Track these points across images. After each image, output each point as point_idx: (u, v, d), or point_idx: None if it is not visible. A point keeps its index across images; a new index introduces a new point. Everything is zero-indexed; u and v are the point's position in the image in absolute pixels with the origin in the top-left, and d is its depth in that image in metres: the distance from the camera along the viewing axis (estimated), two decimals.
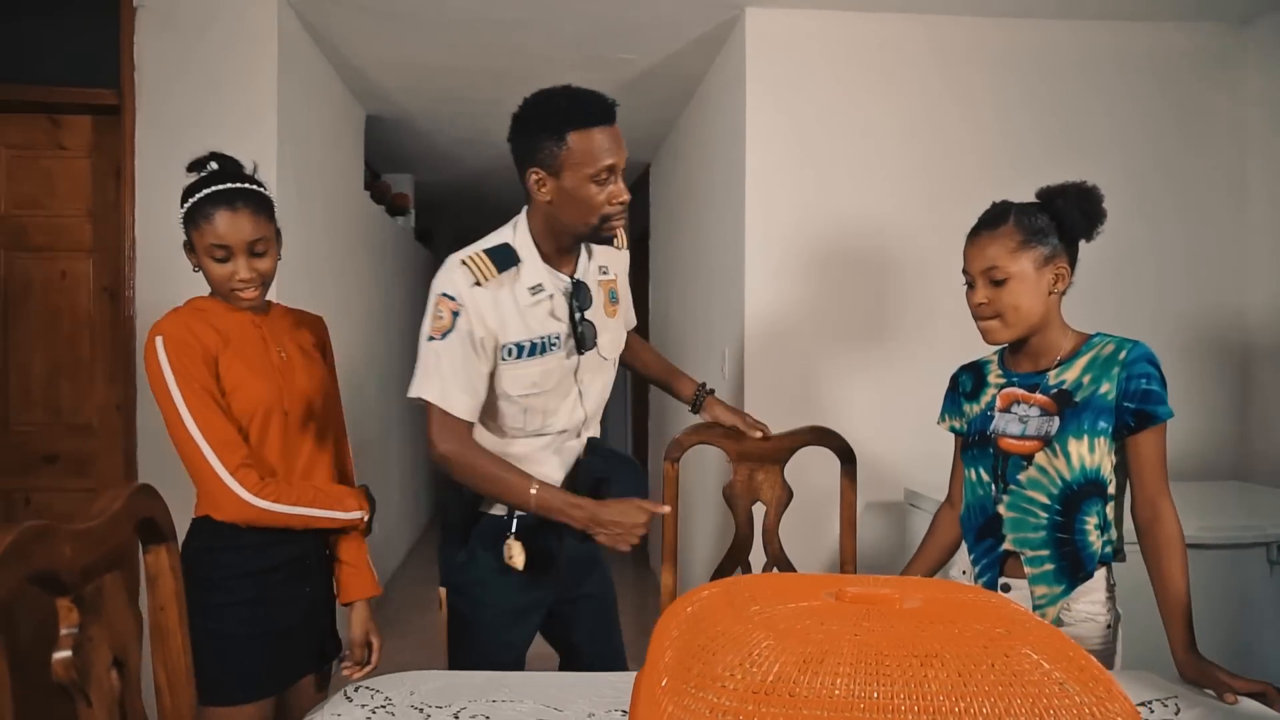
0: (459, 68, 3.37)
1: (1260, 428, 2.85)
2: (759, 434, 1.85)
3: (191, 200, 1.50)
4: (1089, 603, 1.43)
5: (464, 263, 1.52)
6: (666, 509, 1.62)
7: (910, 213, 2.79)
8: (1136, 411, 1.38)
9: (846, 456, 1.89)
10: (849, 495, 1.88)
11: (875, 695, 0.84)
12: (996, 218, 1.46)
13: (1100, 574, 1.44)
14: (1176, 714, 1.22)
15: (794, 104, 2.78)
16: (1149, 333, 2.76)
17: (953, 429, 1.65)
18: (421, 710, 1.20)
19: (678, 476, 1.91)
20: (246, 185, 1.53)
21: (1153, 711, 1.22)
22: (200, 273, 1.55)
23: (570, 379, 1.61)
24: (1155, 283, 2.87)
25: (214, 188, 1.50)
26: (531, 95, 1.52)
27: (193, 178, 1.55)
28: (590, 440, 1.70)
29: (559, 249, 1.58)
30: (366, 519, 1.63)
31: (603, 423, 1.76)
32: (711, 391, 1.89)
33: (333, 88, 3.38)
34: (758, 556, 1.90)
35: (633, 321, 1.84)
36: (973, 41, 2.80)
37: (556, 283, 1.57)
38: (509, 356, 1.54)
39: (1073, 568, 1.42)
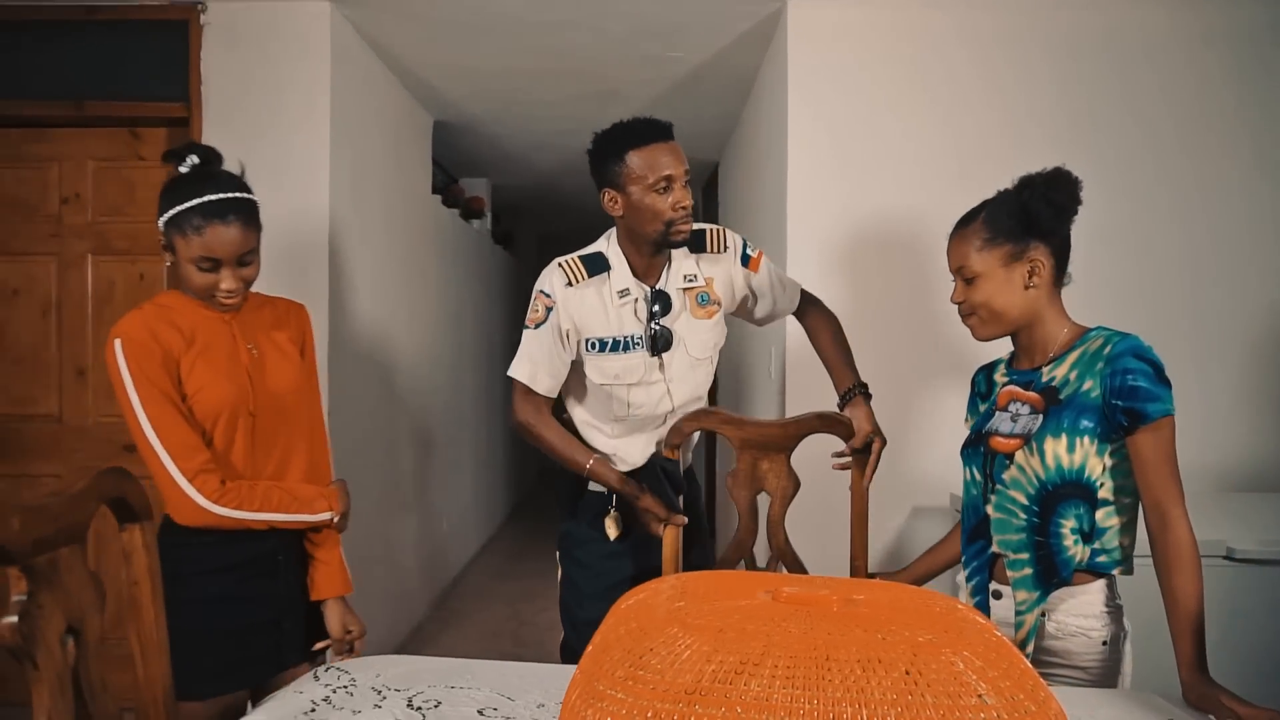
0: (514, 70, 3.43)
1: None
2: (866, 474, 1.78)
3: (180, 207, 1.46)
4: (1081, 616, 1.33)
5: (560, 265, 1.78)
6: (684, 520, 1.78)
7: (954, 209, 2.66)
8: (1126, 410, 1.28)
9: None
10: (859, 485, 1.80)
11: (774, 697, 0.81)
12: (971, 215, 1.43)
13: (1097, 586, 1.34)
14: None
15: (833, 97, 2.70)
16: (1216, 331, 2.58)
17: None
18: (379, 692, 1.23)
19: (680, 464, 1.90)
20: (238, 194, 1.49)
21: None
22: (171, 266, 1.51)
23: (656, 374, 1.81)
24: (1219, 279, 2.65)
25: (207, 198, 1.46)
26: (597, 132, 1.75)
27: (174, 172, 1.51)
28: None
29: (643, 260, 1.79)
30: (337, 518, 1.60)
31: None
32: (861, 393, 1.82)
33: (394, 94, 3.50)
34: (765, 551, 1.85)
35: (782, 306, 1.94)
36: (1010, 29, 2.65)
37: (640, 290, 1.79)
38: (591, 349, 1.78)
39: (1047, 573, 1.33)
